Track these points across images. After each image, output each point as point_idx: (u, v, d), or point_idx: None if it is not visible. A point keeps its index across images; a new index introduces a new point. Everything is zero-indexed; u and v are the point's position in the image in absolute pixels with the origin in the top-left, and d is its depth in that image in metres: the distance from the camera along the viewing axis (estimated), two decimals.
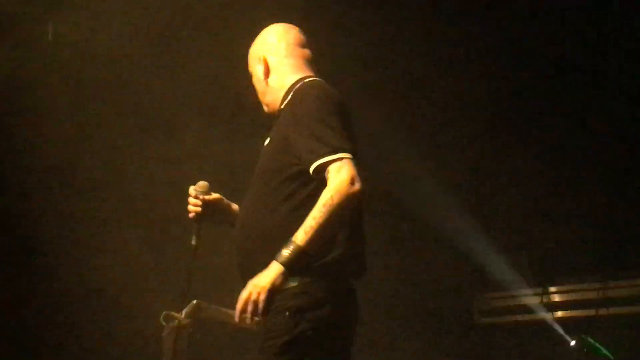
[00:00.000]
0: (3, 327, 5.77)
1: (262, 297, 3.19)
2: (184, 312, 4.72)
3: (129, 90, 6.15)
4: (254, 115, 4.08)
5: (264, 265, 3.25)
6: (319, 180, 3.30)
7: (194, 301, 4.75)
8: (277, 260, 3.21)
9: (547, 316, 6.15)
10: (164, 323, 4.67)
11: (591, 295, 6.03)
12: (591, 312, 5.99)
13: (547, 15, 6.54)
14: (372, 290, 5.52)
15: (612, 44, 6.42)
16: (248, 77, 3.85)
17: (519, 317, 6.27)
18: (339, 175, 3.24)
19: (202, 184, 3.95)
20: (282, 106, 3.61)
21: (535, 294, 6.28)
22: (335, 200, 3.20)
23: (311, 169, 3.31)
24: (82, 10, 5.92)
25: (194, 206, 3.87)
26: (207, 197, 3.88)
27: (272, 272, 3.20)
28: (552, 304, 6.21)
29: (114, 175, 6.16)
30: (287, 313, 3.28)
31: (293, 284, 3.29)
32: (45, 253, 6.00)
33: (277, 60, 3.72)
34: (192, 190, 3.88)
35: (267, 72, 3.72)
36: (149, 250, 6.08)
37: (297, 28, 3.82)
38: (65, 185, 6.10)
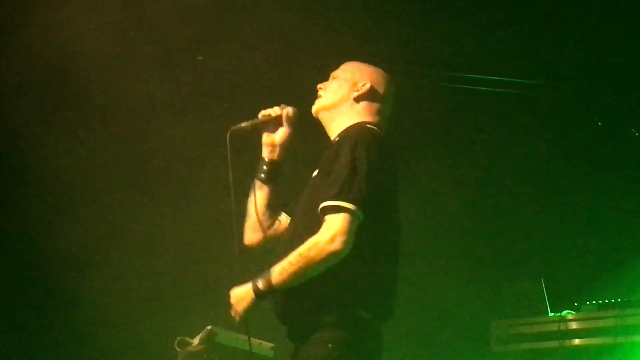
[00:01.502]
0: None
1: (240, 311, 3.47)
2: (197, 337, 4.72)
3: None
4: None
5: (302, 310, 3.43)
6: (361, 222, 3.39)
7: (208, 327, 4.74)
8: (252, 286, 3.41)
9: (565, 343, 6.10)
10: (178, 349, 4.68)
11: (609, 323, 5.98)
12: (609, 340, 5.94)
13: None
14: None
15: None
16: (328, 75, 3.87)
17: (537, 345, 6.21)
18: (327, 230, 3.34)
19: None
20: (337, 137, 3.67)
21: (553, 321, 6.22)
22: (312, 254, 3.33)
23: (319, 207, 3.39)
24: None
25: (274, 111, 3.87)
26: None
27: (247, 296, 3.43)
28: (570, 331, 6.15)
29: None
30: (330, 345, 3.37)
31: (332, 318, 3.39)
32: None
33: (371, 95, 3.76)
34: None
35: (359, 97, 3.75)
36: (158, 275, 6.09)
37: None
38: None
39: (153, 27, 5.92)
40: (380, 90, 3.79)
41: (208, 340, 4.70)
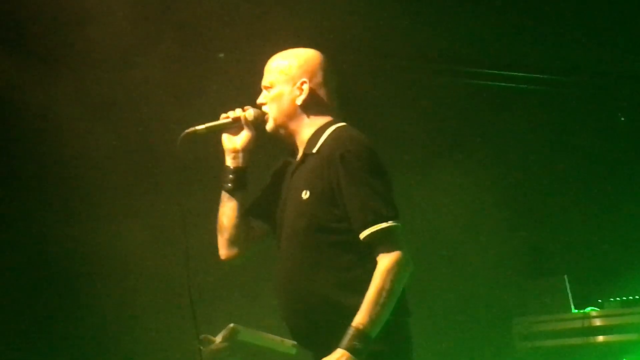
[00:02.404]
0: None
1: None
2: (220, 335, 4.73)
3: None
4: None
5: (326, 329, 3.35)
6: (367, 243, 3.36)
7: (231, 324, 4.76)
8: (348, 350, 3.24)
9: (589, 340, 6.08)
10: (201, 347, 4.69)
11: (633, 319, 5.96)
12: (633, 336, 5.92)
13: None
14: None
15: None
16: (260, 87, 3.65)
17: (560, 342, 6.19)
18: (389, 255, 3.31)
19: None
20: (315, 150, 3.50)
21: (577, 318, 6.20)
22: (392, 284, 3.28)
23: (361, 236, 3.35)
24: None
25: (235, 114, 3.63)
26: None
27: None
28: (594, 328, 6.13)
29: None
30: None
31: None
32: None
33: (315, 90, 3.59)
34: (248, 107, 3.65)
35: (305, 100, 3.57)
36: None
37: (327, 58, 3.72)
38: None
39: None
40: (318, 76, 3.60)
41: (231, 337, 4.71)
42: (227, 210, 3.64)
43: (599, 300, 6.27)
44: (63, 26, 5.71)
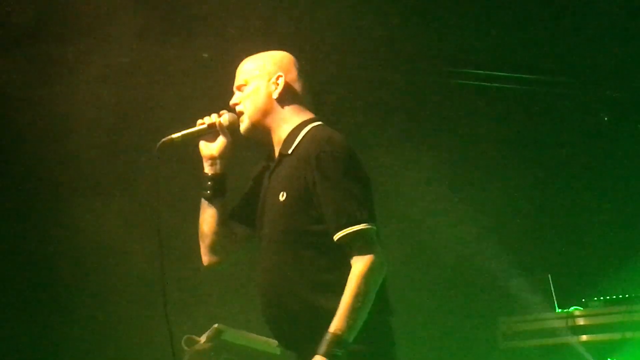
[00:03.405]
0: None
1: None
2: (204, 335, 4.73)
3: None
4: None
5: (307, 331, 3.33)
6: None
7: (215, 325, 4.75)
8: (326, 356, 3.20)
9: (573, 340, 6.09)
10: (185, 347, 4.69)
11: (616, 318, 5.97)
12: (617, 335, 5.93)
13: None
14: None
15: None
16: (233, 89, 3.60)
17: (544, 341, 6.20)
18: (361, 258, 3.27)
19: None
20: (290, 151, 3.46)
21: (561, 317, 6.21)
22: (366, 287, 3.24)
23: (335, 239, 3.31)
24: None
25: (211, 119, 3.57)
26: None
27: None
28: (578, 327, 6.14)
29: None
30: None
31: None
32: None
33: (291, 84, 3.56)
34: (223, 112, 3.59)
35: (281, 94, 3.53)
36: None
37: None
38: None
39: None
40: (293, 72, 3.57)
41: (215, 338, 4.71)
42: (207, 217, 3.61)
43: (583, 300, 6.28)
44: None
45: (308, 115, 3.56)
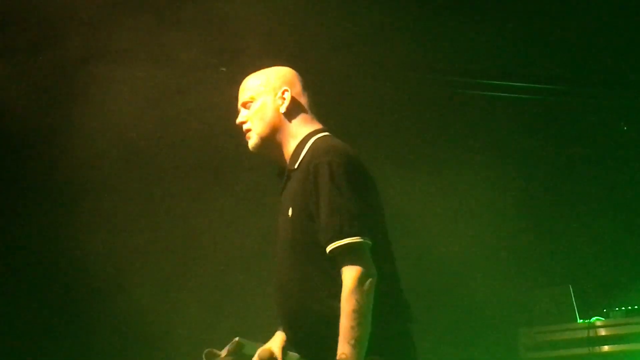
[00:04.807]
0: None
1: None
2: (225, 349, 4.73)
3: None
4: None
5: (324, 341, 3.32)
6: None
7: (236, 338, 4.76)
8: None
9: (594, 350, 6.07)
10: None
11: (638, 329, 5.95)
12: (638, 346, 5.91)
13: None
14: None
15: None
16: (238, 107, 3.61)
17: (565, 352, 6.19)
18: (349, 273, 3.26)
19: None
20: (296, 165, 3.47)
21: (582, 328, 6.19)
22: (358, 303, 3.23)
23: (327, 252, 3.31)
24: None
25: None
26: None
27: None
28: (599, 337, 6.12)
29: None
30: None
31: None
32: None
33: (297, 98, 3.57)
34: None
35: (288, 107, 3.54)
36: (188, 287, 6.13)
37: None
38: None
39: None
40: (297, 86, 3.59)
41: (235, 351, 4.71)
42: None
43: (604, 310, 6.26)
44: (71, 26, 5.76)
45: (315, 126, 3.57)
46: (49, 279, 6.17)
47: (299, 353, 3.61)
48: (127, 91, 6.03)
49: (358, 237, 3.28)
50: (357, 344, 3.22)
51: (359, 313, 3.23)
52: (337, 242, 3.28)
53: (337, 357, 3.22)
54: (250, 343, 4.73)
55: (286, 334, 3.57)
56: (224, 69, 6.28)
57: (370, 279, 3.26)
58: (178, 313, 6.02)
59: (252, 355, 4.73)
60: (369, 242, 3.31)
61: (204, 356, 4.67)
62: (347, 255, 3.28)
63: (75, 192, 6.24)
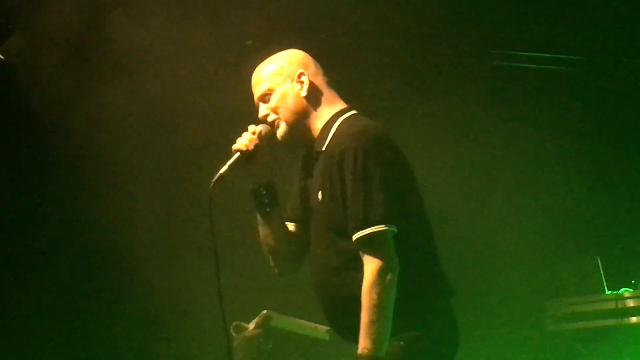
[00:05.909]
0: None
1: None
2: (253, 322, 4.76)
3: None
4: None
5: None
6: None
7: (264, 311, 4.79)
8: None
9: (622, 321, 6.05)
10: (234, 334, 4.73)
11: None
12: None
13: None
14: None
15: None
16: (255, 101, 3.56)
17: (593, 323, 6.16)
18: (370, 263, 3.25)
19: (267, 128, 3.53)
20: (324, 148, 3.44)
21: (610, 299, 6.16)
22: (378, 296, 3.22)
23: (353, 240, 3.31)
24: None
25: (247, 140, 3.51)
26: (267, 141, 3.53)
27: None
28: (627, 309, 6.09)
29: None
30: (401, 342, 3.31)
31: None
32: None
33: (315, 79, 3.53)
34: (254, 128, 3.53)
35: (308, 90, 3.50)
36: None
37: None
38: None
39: None
40: (311, 67, 3.54)
41: (263, 324, 4.75)
42: (271, 230, 3.58)
43: (633, 281, 6.23)
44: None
45: (340, 105, 3.55)
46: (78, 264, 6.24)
47: (335, 330, 3.60)
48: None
49: (382, 226, 3.26)
50: (377, 338, 3.21)
51: (380, 307, 3.22)
52: (360, 232, 3.27)
53: (359, 352, 3.22)
54: (278, 316, 4.77)
55: (324, 313, 3.57)
56: (249, 42, 6.27)
57: (390, 273, 3.24)
58: (208, 287, 6.06)
59: (280, 328, 4.77)
60: (394, 229, 3.28)
61: (232, 329, 4.71)
62: (369, 246, 3.27)
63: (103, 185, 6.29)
